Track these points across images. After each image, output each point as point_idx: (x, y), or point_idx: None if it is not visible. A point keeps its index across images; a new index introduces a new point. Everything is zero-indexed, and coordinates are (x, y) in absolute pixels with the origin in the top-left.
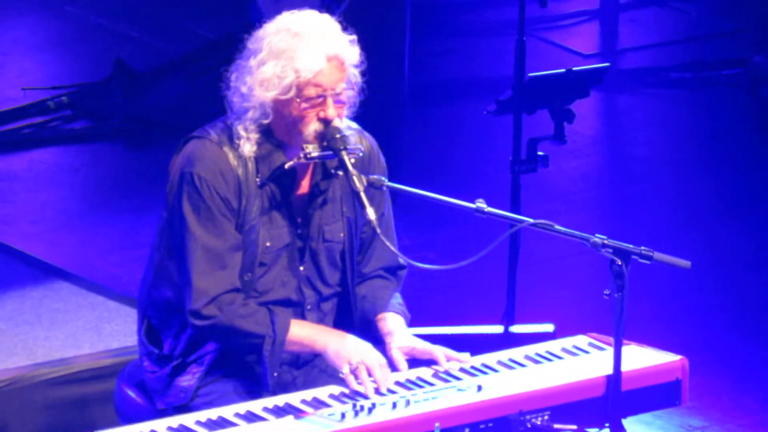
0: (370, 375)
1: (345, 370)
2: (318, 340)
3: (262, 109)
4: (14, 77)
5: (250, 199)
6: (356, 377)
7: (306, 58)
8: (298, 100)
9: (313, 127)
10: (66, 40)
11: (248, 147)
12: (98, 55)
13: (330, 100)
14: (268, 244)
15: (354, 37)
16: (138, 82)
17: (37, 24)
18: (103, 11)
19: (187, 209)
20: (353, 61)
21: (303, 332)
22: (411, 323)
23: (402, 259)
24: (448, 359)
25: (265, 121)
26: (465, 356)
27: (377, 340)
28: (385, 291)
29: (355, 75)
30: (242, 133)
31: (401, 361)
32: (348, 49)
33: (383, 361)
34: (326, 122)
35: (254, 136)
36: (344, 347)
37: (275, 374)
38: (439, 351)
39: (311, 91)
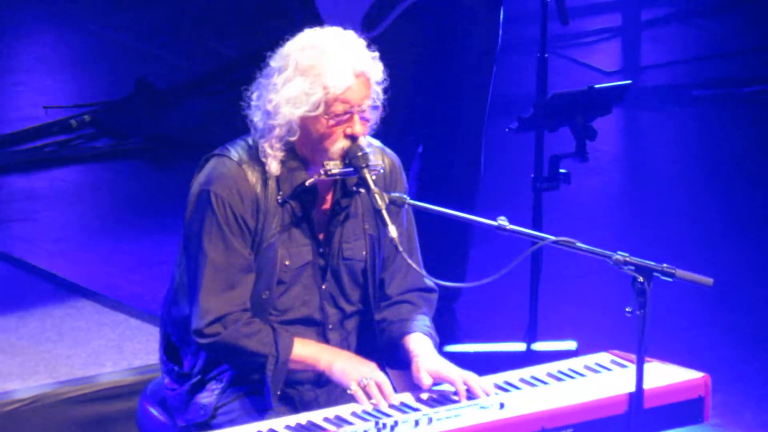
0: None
1: (353, 387)
2: (321, 359)
3: (289, 126)
4: (37, 95)
5: (268, 217)
6: (366, 394)
7: (335, 74)
8: (326, 117)
9: (339, 144)
10: (88, 58)
11: (274, 165)
12: (120, 73)
13: (357, 117)
14: (287, 262)
15: (376, 54)
16: (160, 100)
17: (59, 42)
18: (126, 30)
19: (202, 227)
20: (377, 78)
21: (306, 351)
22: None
23: (426, 278)
24: (469, 391)
25: (292, 139)
26: (487, 389)
27: (404, 362)
28: (411, 314)
29: (377, 92)
30: (269, 151)
31: (426, 381)
32: (373, 67)
33: (386, 378)
34: (353, 139)
35: (280, 154)
36: (350, 366)
37: (278, 393)
38: (461, 384)
39: (339, 108)
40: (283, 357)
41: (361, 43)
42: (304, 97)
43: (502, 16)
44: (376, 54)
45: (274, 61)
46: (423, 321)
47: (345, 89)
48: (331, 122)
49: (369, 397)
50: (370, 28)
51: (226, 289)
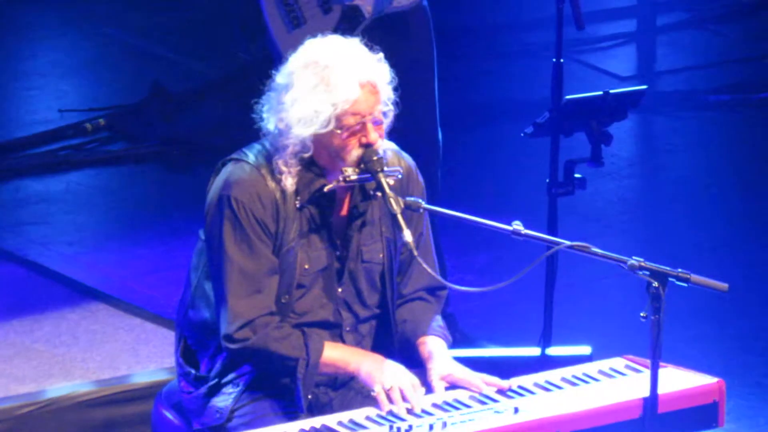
0: (403, 396)
1: (377, 389)
2: (351, 362)
3: (302, 144)
4: (52, 99)
5: (287, 221)
6: (389, 398)
7: (340, 89)
8: (338, 131)
9: (355, 153)
10: (103, 62)
11: (290, 180)
12: (135, 77)
13: (369, 125)
14: (306, 266)
15: (381, 55)
16: (175, 104)
17: (74, 46)
18: (141, 33)
19: (224, 232)
20: (385, 80)
21: (336, 354)
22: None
23: (440, 281)
24: (482, 394)
25: (306, 155)
26: (504, 383)
27: (417, 363)
28: (426, 314)
29: (388, 93)
30: (283, 168)
31: (439, 389)
32: (378, 70)
33: (417, 382)
34: (368, 146)
35: (295, 169)
36: (378, 369)
37: (309, 396)
38: (477, 380)
39: (350, 120)
40: (314, 360)
41: (363, 49)
42: (313, 116)
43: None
44: (380, 55)
45: (280, 77)
46: (436, 322)
47: (353, 102)
48: (345, 134)
49: (392, 401)
50: None
51: (253, 293)
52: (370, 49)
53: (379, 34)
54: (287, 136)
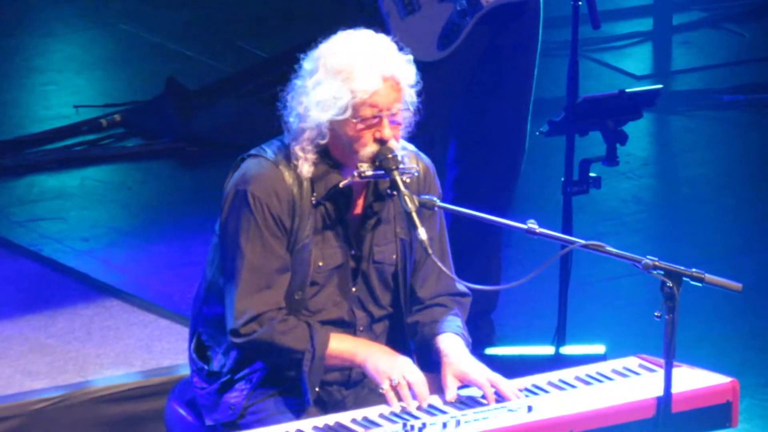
0: (412, 392)
1: (385, 386)
2: (358, 353)
3: (319, 130)
4: (67, 95)
5: (303, 218)
6: (398, 394)
7: (362, 78)
8: (354, 120)
9: (369, 148)
10: (119, 58)
11: (306, 167)
12: (151, 73)
13: (386, 121)
14: (320, 263)
15: (410, 56)
16: (190, 100)
17: (90, 42)
18: (157, 30)
19: (239, 227)
20: (409, 81)
21: (342, 346)
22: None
23: (455, 281)
24: (497, 394)
25: (322, 142)
26: (514, 394)
27: (435, 364)
28: (443, 315)
29: (411, 95)
30: (300, 153)
31: (452, 389)
32: (404, 70)
33: (422, 377)
34: (382, 142)
35: (311, 156)
36: (384, 362)
37: (317, 389)
38: (488, 388)
39: (367, 112)
40: (320, 353)
41: (393, 46)
42: (332, 101)
43: (541, 19)
44: (410, 57)
45: (307, 63)
46: (454, 321)
47: (372, 93)
48: (360, 126)
49: (401, 398)
50: (446, 47)
51: (263, 288)
52: (400, 49)
53: (482, 23)
54: (305, 120)
